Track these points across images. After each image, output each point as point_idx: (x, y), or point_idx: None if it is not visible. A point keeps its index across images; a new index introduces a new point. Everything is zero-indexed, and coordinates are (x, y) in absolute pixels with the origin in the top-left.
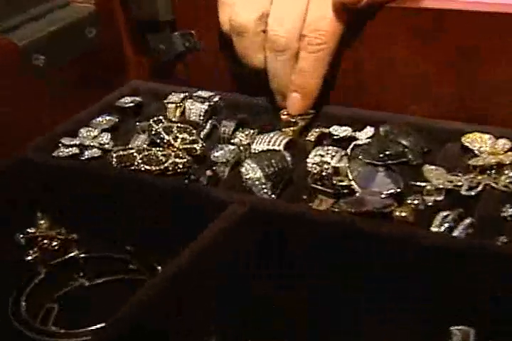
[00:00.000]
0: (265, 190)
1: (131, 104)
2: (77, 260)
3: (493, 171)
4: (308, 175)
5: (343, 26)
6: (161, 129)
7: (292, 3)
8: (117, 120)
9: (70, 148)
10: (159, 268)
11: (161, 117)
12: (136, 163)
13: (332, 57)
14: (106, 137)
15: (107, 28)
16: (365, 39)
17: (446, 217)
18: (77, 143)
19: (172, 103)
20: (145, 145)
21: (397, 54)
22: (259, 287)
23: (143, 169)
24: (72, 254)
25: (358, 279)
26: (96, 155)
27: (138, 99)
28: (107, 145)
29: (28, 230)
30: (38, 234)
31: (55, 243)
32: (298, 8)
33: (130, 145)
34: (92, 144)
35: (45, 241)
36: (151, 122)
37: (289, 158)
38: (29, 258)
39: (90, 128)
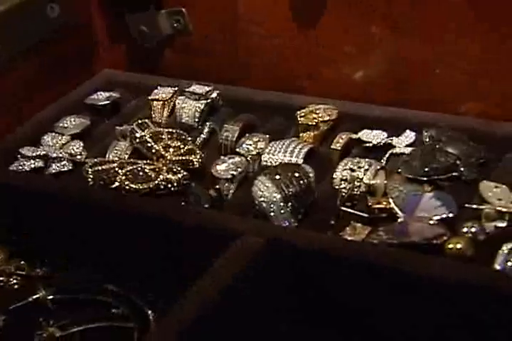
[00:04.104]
0: (284, 216)
1: (106, 102)
2: (45, 303)
3: None
4: (336, 195)
5: None
6: (147, 136)
7: None
8: (89, 122)
9: (32, 161)
10: (150, 313)
11: (146, 120)
12: (118, 180)
13: None
14: (77, 145)
15: (73, 5)
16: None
17: None
18: (41, 153)
19: (158, 100)
20: (126, 156)
21: (446, 40)
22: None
23: (127, 188)
24: (37, 296)
25: (404, 329)
26: (66, 169)
27: (114, 95)
28: (78, 156)
29: None
30: None
31: (13, 281)
32: None
33: (108, 156)
34: (60, 155)
35: (1, 279)
36: (134, 126)
37: (311, 174)
38: None
39: (56, 134)
